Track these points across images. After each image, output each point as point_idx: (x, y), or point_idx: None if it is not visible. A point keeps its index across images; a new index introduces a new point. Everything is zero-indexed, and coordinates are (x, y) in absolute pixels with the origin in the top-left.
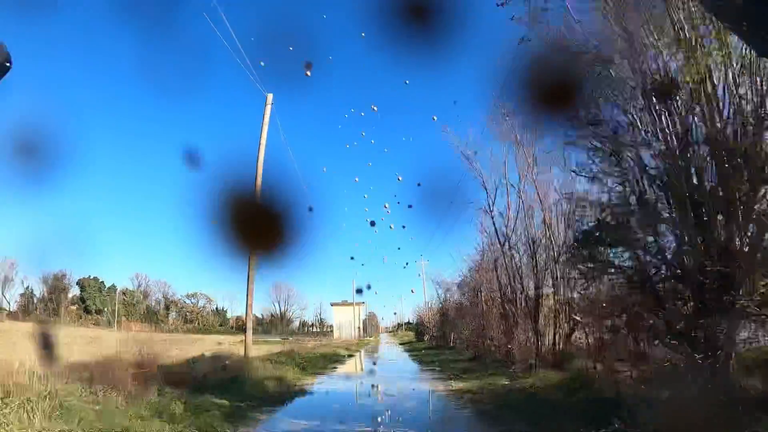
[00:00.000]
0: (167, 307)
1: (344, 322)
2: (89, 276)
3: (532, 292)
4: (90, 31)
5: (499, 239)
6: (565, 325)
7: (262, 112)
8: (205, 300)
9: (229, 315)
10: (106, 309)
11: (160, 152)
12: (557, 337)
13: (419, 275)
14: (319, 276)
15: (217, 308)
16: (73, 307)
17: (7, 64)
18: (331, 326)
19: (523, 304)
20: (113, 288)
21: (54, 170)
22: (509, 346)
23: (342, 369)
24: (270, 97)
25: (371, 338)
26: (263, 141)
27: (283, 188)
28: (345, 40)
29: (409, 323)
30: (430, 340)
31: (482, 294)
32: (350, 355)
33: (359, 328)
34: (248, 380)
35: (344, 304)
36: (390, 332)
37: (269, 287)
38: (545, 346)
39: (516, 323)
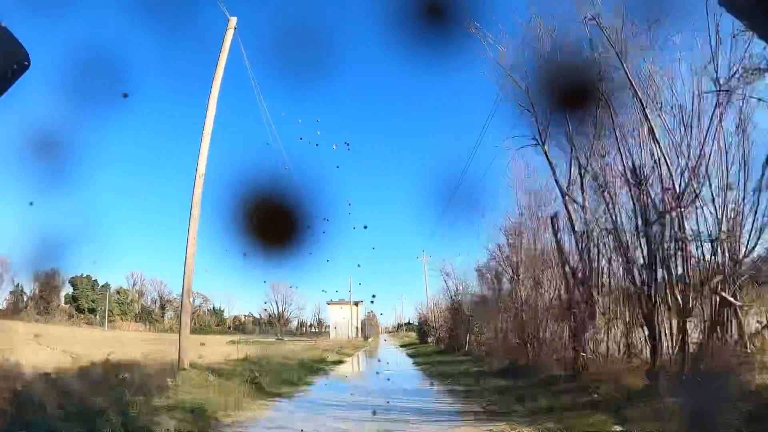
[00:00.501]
0: (163, 307)
1: (341, 322)
2: (82, 274)
3: (630, 257)
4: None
5: (558, 183)
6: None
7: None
8: (201, 299)
9: (226, 315)
10: (99, 308)
11: (156, 148)
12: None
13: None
14: (317, 273)
15: (214, 308)
16: (65, 306)
17: (26, 63)
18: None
19: (609, 284)
20: (107, 286)
21: (48, 166)
22: (581, 354)
23: (318, 387)
24: (233, 21)
25: (370, 339)
26: (219, 74)
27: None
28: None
29: (409, 324)
30: (437, 343)
31: (520, 278)
32: (339, 362)
33: (357, 328)
34: (132, 412)
35: (341, 302)
36: (390, 333)
37: (268, 286)
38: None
39: (593, 315)
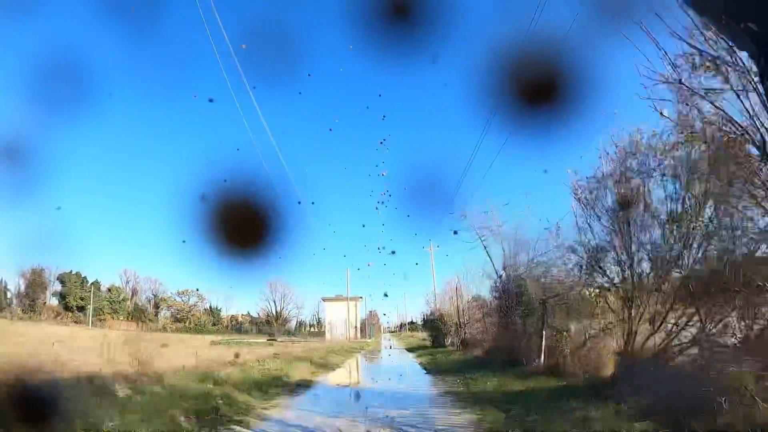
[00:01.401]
0: (157, 305)
1: (338, 321)
2: (71, 271)
3: None
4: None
5: None
6: None
7: None
8: (196, 298)
9: (224, 314)
10: (88, 306)
11: (152, 145)
12: None
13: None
14: (316, 270)
15: (210, 307)
16: (54, 303)
17: None
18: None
19: None
20: (96, 283)
21: (39, 163)
22: None
23: None
24: None
25: (369, 341)
26: None
27: None
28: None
29: (412, 323)
30: (463, 348)
31: None
32: (303, 387)
33: (356, 327)
34: None
35: (338, 298)
36: (393, 332)
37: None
38: None
39: None
